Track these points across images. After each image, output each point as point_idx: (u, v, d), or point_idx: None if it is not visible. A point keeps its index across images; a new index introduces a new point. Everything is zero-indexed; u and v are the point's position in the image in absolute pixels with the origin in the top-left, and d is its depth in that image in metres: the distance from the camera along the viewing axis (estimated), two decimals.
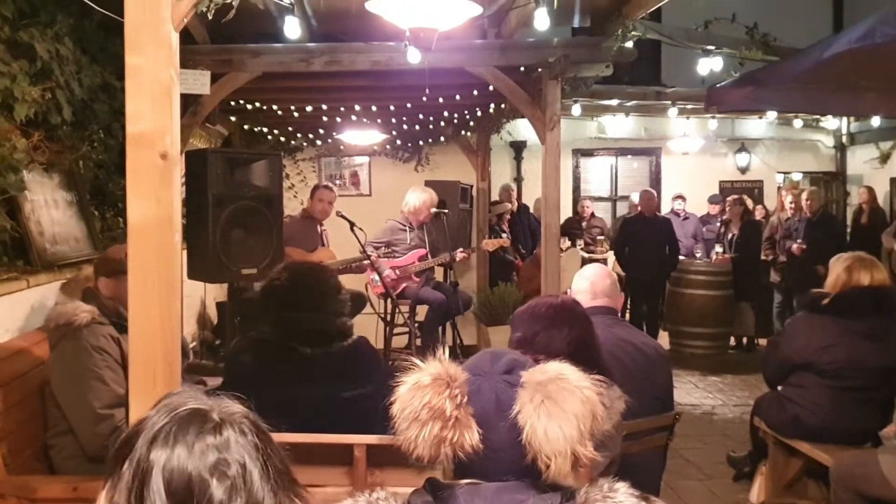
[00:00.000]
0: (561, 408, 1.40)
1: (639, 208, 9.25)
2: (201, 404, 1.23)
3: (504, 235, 8.93)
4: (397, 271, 6.58)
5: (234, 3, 2.42)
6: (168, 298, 2.08)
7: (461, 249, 6.94)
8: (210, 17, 2.38)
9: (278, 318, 2.76)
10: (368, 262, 6.09)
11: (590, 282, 3.34)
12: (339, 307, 2.82)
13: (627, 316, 9.00)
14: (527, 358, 1.56)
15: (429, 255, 6.74)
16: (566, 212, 10.01)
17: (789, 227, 8.85)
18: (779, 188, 11.58)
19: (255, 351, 2.81)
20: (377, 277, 6.11)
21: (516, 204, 9.86)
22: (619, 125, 11.32)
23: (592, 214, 10.41)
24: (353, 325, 2.87)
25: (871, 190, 9.97)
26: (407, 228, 6.77)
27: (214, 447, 1.16)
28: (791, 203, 9.03)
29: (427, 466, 1.49)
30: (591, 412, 1.41)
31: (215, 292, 7.57)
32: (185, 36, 4.96)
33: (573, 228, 9.95)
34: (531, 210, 9.93)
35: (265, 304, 2.84)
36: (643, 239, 8.75)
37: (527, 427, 1.40)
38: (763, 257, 9.17)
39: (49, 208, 4.27)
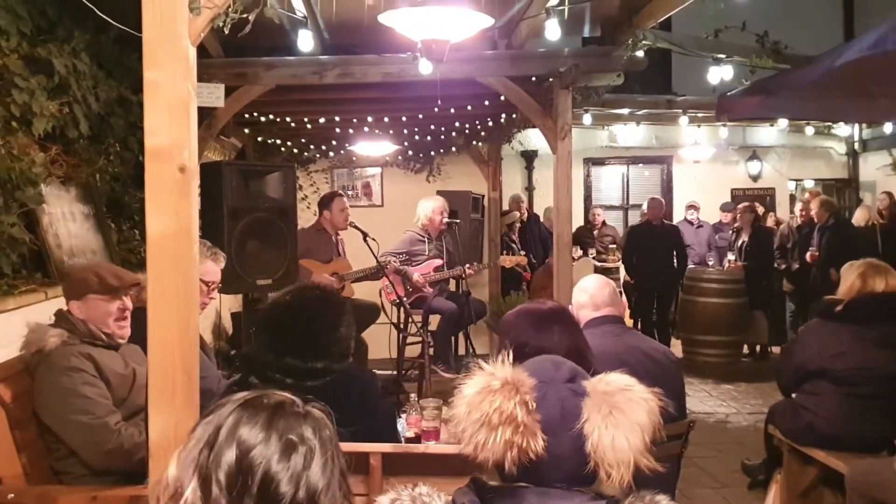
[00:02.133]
0: (628, 418, 1.42)
1: (647, 216, 9.24)
2: (286, 397, 1.27)
3: (514, 247, 8.95)
4: (424, 276, 6.61)
5: (250, 17, 2.46)
6: (186, 310, 2.11)
7: (469, 265, 6.94)
8: (226, 32, 2.41)
9: (270, 343, 2.62)
10: (383, 271, 6.11)
11: (589, 294, 3.34)
12: (332, 345, 2.62)
13: (639, 325, 9.02)
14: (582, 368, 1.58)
15: (445, 266, 6.77)
16: (578, 221, 10.01)
17: (803, 235, 8.82)
18: (791, 195, 11.57)
19: (244, 369, 2.72)
20: (391, 285, 6.14)
21: (526, 213, 9.88)
22: (630, 134, 11.32)
23: (604, 223, 10.40)
24: (342, 366, 2.66)
25: (891, 196, 9.88)
26: (425, 240, 6.79)
27: (291, 432, 1.21)
28: (801, 210, 9.00)
29: (447, 475, 1.51)
30: (653, 423, 1.44)
31: (230, 303, 7.61)
32: (200, 50, 5.01)
33: (585, 237, 9.94)
34: (542, 219, 9.94)
35: (263, 324, 2.75)
36: (651, 247, 8.75)
37: (594, 436, 1.42)
38: (776, 265, 9.14)
39: (66, 221, 4.32)
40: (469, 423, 1.45)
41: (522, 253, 8.85)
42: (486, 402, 1.44)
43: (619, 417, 1.42)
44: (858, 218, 9.19)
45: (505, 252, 8.85)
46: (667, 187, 11.71)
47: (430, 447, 2.40)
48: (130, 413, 3.06)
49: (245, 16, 2.40)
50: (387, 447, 2.41)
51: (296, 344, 2.55)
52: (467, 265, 6.86)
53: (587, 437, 1.43)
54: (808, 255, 8.41)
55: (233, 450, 1.16)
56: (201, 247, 3.56)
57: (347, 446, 2.45)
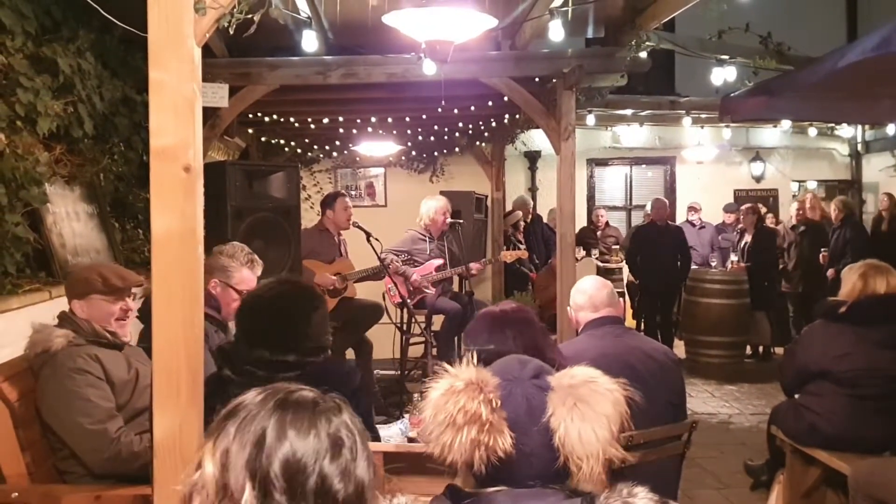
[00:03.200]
0: (593, 410, 1.43)
1: (650, 217, 9.24)
2: (312, 392, 1.26)
3: (521, 247, 8.96)
4: (425, 277, 6.62)
5: (254, 17, 2.47)
6: (191, 309, 2.11)
7: (475, 262, 6.97)
8: (231, 33, 2.42)
9: (244, 333, 2.65)
10: (386, 270, 6.12)
11: (588, 295, 3.36)
12: (305, 337, 2.61)
13: (642, 326, 9.02)
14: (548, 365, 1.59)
15: (447, 266, 6.77)
16: (581, 221, 10.02)
17: (797, 234, 8.85)
18: (794, 196, 11.56)
19: (220, 362, 2.70)
20: (395, 287, 6.15)
21: (531, 215, 9.89)
22: (634, 135, 11.32)
23: (607, 223, 10.41)
24: (319, 358, 2.66)
25: (891, 197, 9.90)
26: (427, 239, 6.80)
27: (334, 427, 1.20)
28: (797, 210, 9.00)
29: (447, 472, 1.51)
30: (619, 414, 1.44)
31: None
32: (204, 50, 5.02)
33: (588, 238, 9.95)
34: (546, 220, 9.95)
35: (237, 316, 2.75)
36: (655, 247, 8.74)
37: (560, 429, 1.43)
38: (781, 266, 9.16)
39: (70, 220, 4.34)
40: (435, 425, 1.46)
41: (523, 247, 8.86)
42: (451, 403, 1.45)
43: (584, 409, 1.43)
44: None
45: (507, 248, 8.86)
46: (670, 188, 11.72)
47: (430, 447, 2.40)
48: (132, 416, 3.06)
49: (250, 16, 2.41)
50: (389, 446, 2.42)
51: (267, 336, 2.56)
52: (472, 263, 6.88)
53: (554, 432, 1.43)
54: (820, 256, 8.41)
55: (285, 451, 1.15)
56: (240, 252, 3.60)
57: None
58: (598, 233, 10.24)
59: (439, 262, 6.76)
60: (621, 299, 7.25)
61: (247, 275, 3.66)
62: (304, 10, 4.70)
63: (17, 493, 2.84)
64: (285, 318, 2.60)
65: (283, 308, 2.63)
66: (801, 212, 8.92)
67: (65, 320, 3.12)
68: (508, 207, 9.61)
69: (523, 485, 1.45)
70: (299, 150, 9.01)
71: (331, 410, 1.22)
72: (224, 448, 1.17)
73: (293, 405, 1.20)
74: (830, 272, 8.11)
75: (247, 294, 2.82)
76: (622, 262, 9.76)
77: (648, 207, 9.57)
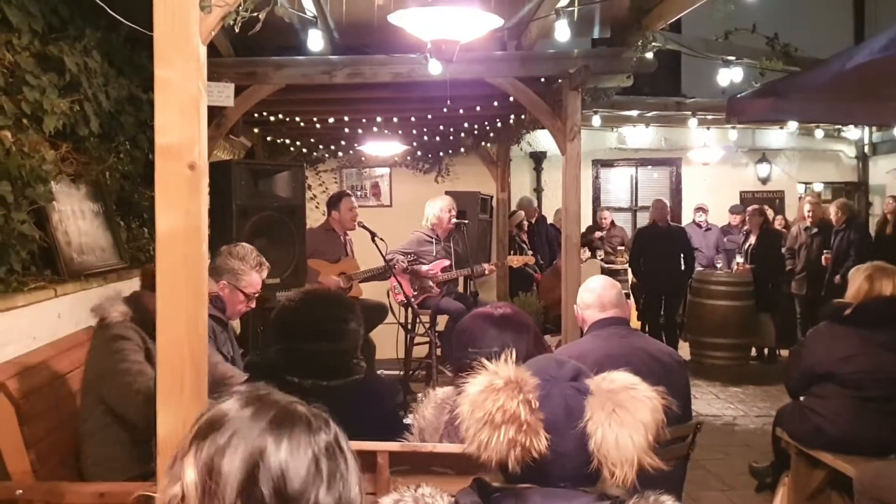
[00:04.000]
0: (632, 417, 1.42)
1: (652, 218, 9.23)
2: (297, 403, 1.22)
3: (525, 247, 8.96)
4: (432, 274, 6.62)
5: (260, 16, 2.46)
6: (195, 307, 2.11)
7: (489, 263, 7.00)
8: (237, 31, 2.42)
9: (284, 345, 2.60)
10: (391, 270, 6.13)
11: (597, 294, 3.35)
12: (347, 344, 2.61)
13: (646, 327, 9.00)
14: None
15: (453, 267, 6.77)
16: (586, 222, 10.01)
17: (809, 236, 8.82)
18: (800, 198, 11.53)
19: (256, 376, 2.69)
20: (399, 285, 6.15)
21: (536, 215, 9.88)
22: (640, 136, 11.31)
23: (612, 223, 10.39)
24: (362, 365, 2.66)
25: None
26: (433, 240, 6.80)
27: (328, 448, 1.17)
28: (809, 212, 8.97)
29: (451, 474, 1.50)
30: (657, 422, 1.43)
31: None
32: (210, 49, 5.02)
33: (590, 238, 9.94)
34: (551, 221, 9.94)
35: (273, 328, 2.71)
36: (658, 249, 8.73)
37: (597, 434, 1.42)
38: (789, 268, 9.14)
39: (76, 219, 4.34)
40: (472, 422, 1.44)
41: (530, 252, 8.86)
42: (490, 401, 1.43)
43: (622, 416, 1.42)
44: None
45: (513, 252, 8.86)
46: (676, 189, 11.70)
47: (437, 446, 2.40)
48: None
49: (255, 14, 2.41)
50: (394, 446, 2.41)
51: (311, 339, 2.54)
52: (486, 264, 6.90)
53: (590, 436, 1.42)
54: (823, 258, 8.39)
55: (279, 477, 1.10)
56: (250, 255, 3.68)
57: (354, 444, 2.46)
58: (604, 233, 10.20)
59: (446, 262, 6.76)
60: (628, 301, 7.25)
61: (255, 278, 3.75)
62: (310, 9, 4.71)
63: (21, 490, 2.85)
64: (326, 322, 2.59)
65: (323, 313, 2.62)
66: (813, 213, 8.88)
67: (131, 300, 3.31)
68: (514, 208, 9.61)
69: (553, 485, 1.45)
70: (305, 150, 9.01)
71: (323, 428, 1.19)
72: (208, 462, 1.11)
73: (288, 424, 1.15)
74: (837, 278, 8.09)
75: (279, 308, 2.76)
76: (627, 263, 9.75)
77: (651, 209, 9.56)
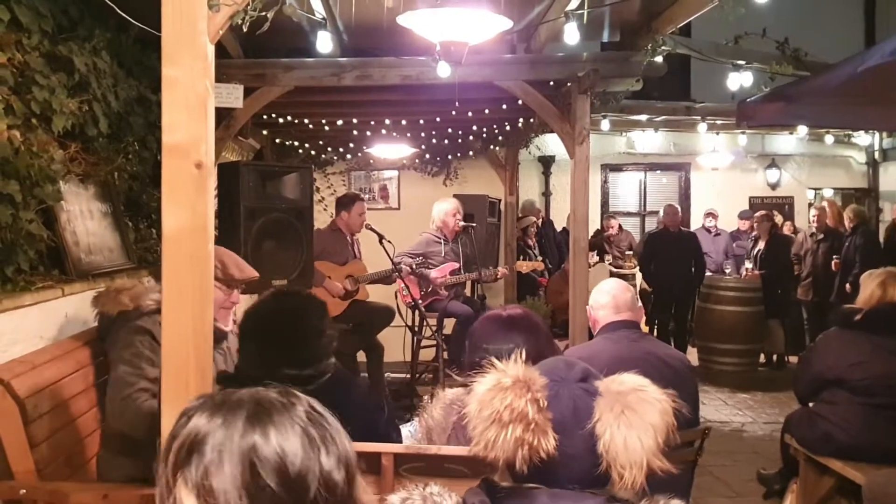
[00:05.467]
0: (641, 418, 1.40)
1: (663, 223, 9.20)
2: (269, 391, 1.19)
3: (531, 252, 8.94)
4: (441, 279, 6.61)
5: (268, 15, 2.46)
6: (201, 306, 2.11)
7: (501, 267, 7.00)
8: (245, 30, 2.42)
9: (254, 357, 2.59)
10: (398, 274, 6.12)
11: (612, 296, 3.34)
12: (315, 348, 2.60)
13: (655, 332, 8.97)
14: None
15: (461, 270, 6.76)
16: (595, 227, 10.00)
17: (815, 242, 8.80)
18: (810, 204, 11.49)
19: (226, 384, 2.57)
20: (406, 287, 6.14)
21: (541, 219, 9.87)
22: (649, 140, 11.28)
23: (620, 228, 10.37)
24: (328, 366, 2.64)
25: None
26: (441, 241, 6.79)
27: (308, 417, 1.15)
28: (814, 217, 8.94)
29: (458, 476, 1.49)
30: (666, 424, 1.42)
31: (246, 303, 7.61)
32: (219, 50, 5.03)
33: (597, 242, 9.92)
34: (565, 225, 9.92)
35: (243, 337, 2.69)
36: (668, 254, 8.71)
37: (605, 436, 1.41)
38: (796, 273, 9.11)
39: (84, 219, 4.34)
40: (480, 421, 1.44)
41: (539, 258, 8.84)
42: (497, 400, 1.43)
43: (631, 417, 1.40)
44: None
45: (522, 257, 8.84)
46: (685, 194, 11.67)
47: (443, 449, 2.39)
48: None
49: (263, 13, 2.41)
50: (399, 447, 2.40)
51: (287, 352, 2.52)
52: (499, 267, 6.89)
53: (599, 437, 1.41)
54: (833, 264, 8.36)
55: (279, 465, 1.08)
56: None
57: (359, 446, 2.45)
58: (608, 235, 10.18)
59: (455, 265, 6.75)
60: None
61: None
62: (320, 11, 4.71)
63: (24, 490, 2.85)
64: (301, 330, 2.57)
65: (297, 321, 2.60)
66: (818, 219, 8.85)
67: None
68: (521, 212, 9.59)
69: (562, 487, 1.43)
70: (313, 152, 9.02)
71: (295, 401, 1.16)
72: (199, 485, 1.08)
73: (266, 412, 1.13)
74: (847, 286, 8.06)
75: (249, 310, 2.73)
76: (635, 267, 9.73)
77: (662, 213, 9.54)
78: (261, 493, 1.07)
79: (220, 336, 3.16)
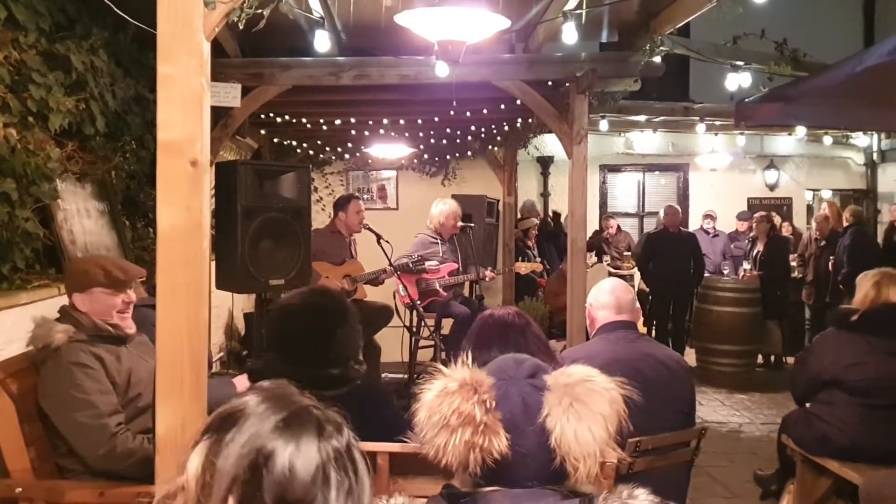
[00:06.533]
0: (590, 409, 1.40)
1: (663, 224, 9.20)
2: (305, 400, 1.19)
3: (530, 253, 8.93)
4: (440, 279, 6.60)
5: (264, 13, 2.45)
6: (195, 304, 2.10)
7: (491, 269, 6.97)
8: (241, 28, 2.41)
9: (282, 355, 2.57)
10: (396, 273, 6.11)
11: (614, 296, 3.34)
12: (347, 351, 2.60)
13: (653, 332, 8.97)
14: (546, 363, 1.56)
15: (459, 270, 6.75)
16: (593, 227, 10.00)
17: (819, 247, 8.80)
18: (808, 205, 11.51)
19: (257, 378, 2.55)
20: (404, 287, 6.14)
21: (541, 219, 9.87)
22: (647, 141, 11.28)
23: (619, 228, 10.37)
24: (360, 369, 2.64)
25: None
26: (438, 242, 6.78)
27: (337, 447, 1.14)
28: (816, 227, 8.95)
29: (449, 474, 1.48)
30: (616, 413, 1.42)
31: (243, 303, 7.63)
32: (217, 49, 5.03)
33: (596, 243, 9.92)
34: (562, 225, 9.92)
35: (271, 335, 2.68)
36: (668, 254, 8.70)
37: (556, 430, 1.40)
38: (795, 275, 9.11)
39: (81, 217, 4.34)
40: (429, 427, 1.43)
41: (538, 260, 8.83)
42: (445, 405, 1.42)
43: (580, 409, 1.40)
44: None
45: (521, 259, 8.83)
46: (683, 195, 11.66)
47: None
48: (133, 415, 3.04)
49: (259, 11, 2.40)
50: (394, 447, 2.39)
51: (311, 351, 2.51)
52: (489, 268, 6.86)
53: (551, 432, 1.41)
54: (829, 264, 8.36)
55: (285, 480, 1.07)
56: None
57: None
58: (606, 234, 10.18)
59: (454, 265, 6.74)
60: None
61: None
62: (318, 10, 4.70)
63: (20, 488, 2.84)
64: (327, 330, 2.55)
65: (323, 321, 2.57)
66: (820, 228, 8.86)
67: (65, 315, 3.09)
68: (520, 212, 9.58)
69: (521, 486, 1.43)
70: (311, 152, 9.01)
71: (334, 434, 1.15)
72: (210, 458, 1.09)
73: (297, 426, 1.12)
74: (841, 286, 8.08)
75: (276, 312, 2.72)
76: (633, 268, 9.72)
77: (661, 214, 9.54)
78: (254, 497, 1.06)
79: (122, 338, 3.13)
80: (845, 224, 8.44)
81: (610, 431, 1.39)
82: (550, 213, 10.67)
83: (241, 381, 2.96)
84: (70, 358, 2.93)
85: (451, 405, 1.41)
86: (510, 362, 1.54)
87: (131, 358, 3.13)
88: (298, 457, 1.09)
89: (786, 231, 10.28)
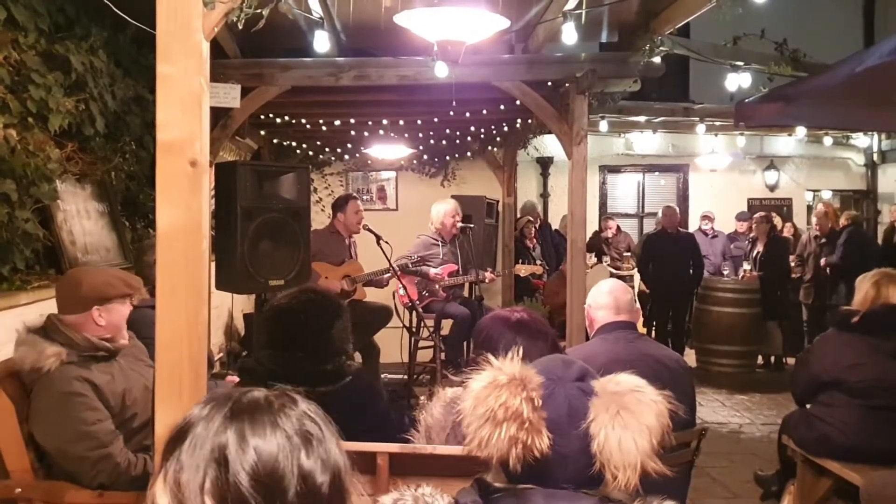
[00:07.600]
0: (637, 420, 1.39)
1: (661, 225, 9.20)
2: (259, 391, 1.18)
3: (530, 253, 8.92)
4: (440, 280, 6.60)
5: (263, 13, 2.45)
6: (195, 305, 2.10)
7: (491, 271, 6.97)
8: (240, 28, 2.41)
9: (274, 352, 2.57)
10: (394, 274, 6.11)
11: (613, 297, 3.34)
12: (337, 348, 2.60)
13: (653, 333, 8.96)
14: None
15: (460, 271, 6.75)
16: (592, 228, 9.99)
17: (819, 245, 8.80)
18: (808, 206, 11.50)
19: (246, 377, 2.65)
20: (404, 288, 6.13)
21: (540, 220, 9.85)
22: (647, 141, 11.27)
23: (619, 229, 10.36)
24: (351, 364, 2.65)
25: None
26: (439, 243, 6.78)
27: (296, 420, 1.13)
28: (816, 225, 8.95)
29: (453, 476, 1.48)
30: (662, 426, 1.41)
31: (243, 304, 7.63)
32: (217, 50, 5.03)
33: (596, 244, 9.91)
34: (556, 227, 9.91)
35: (263, 333, 2.68)
36: (667, 255, 8.71)
37: (600, 436, 1.39)
38: (793, 275, 9.10)
39: (81, 218, 4.34)
40: (474, 418, 1.43)
41: (539, 262, 8.82)
42: (492, 397, 1.41)
43: (627, 418, 1.39)
44: None
45: (521, 260, 8.82)
46: (683, 196, 11.65)
47: (438, 448, 2.37)
48: (129, 433, 3.03)
49: (259, 11, 2.40)
50: (394, 447, 2.38)
51: (304, 348, 2.52)
52: (489, 270, 6.86)
53: (593, 438, 1.40)
54: (822, 262, 8.37)
55: (252, 461, 1.07)
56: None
57: (354, 446, 2.43)
58: (607, 235, 10.17)
59: (454, 267, 6.74)
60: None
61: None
62: (317, 10, 4.70)
63: (20, 489, 2.84)
64: (319, 327, 2.56)
65: (314, 318, 2.58)
66: (820, 226, 8.86)
67: (55, 332, 2.94)
68: (520, 213, 9.58)
69: (555, 486, 1.42)
70: (311, 153, 9.01)
71: (287, 405, 1.16)
72: (175, 478, 1.08)
73: (247, 410, 1.12)
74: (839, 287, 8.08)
75: (268, 310, 2.72)
76: (633, 269, 9.71)
77: (660, 215, 9.54)
78: (230, 490, 1.06)
79: (115, 352, 3.07)
80: (843, 224, 8.44)
81: (653, 444, 1.38)
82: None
83: (233, 382, 2.97)
84: (62, 388, 2.85)
85: (498, 398, 1.41)
86: (559, 363, 1.54)
87: (125, 375, 3.09)
88: (254, 436, 1.09)
89: (787, 231, 10.27)
